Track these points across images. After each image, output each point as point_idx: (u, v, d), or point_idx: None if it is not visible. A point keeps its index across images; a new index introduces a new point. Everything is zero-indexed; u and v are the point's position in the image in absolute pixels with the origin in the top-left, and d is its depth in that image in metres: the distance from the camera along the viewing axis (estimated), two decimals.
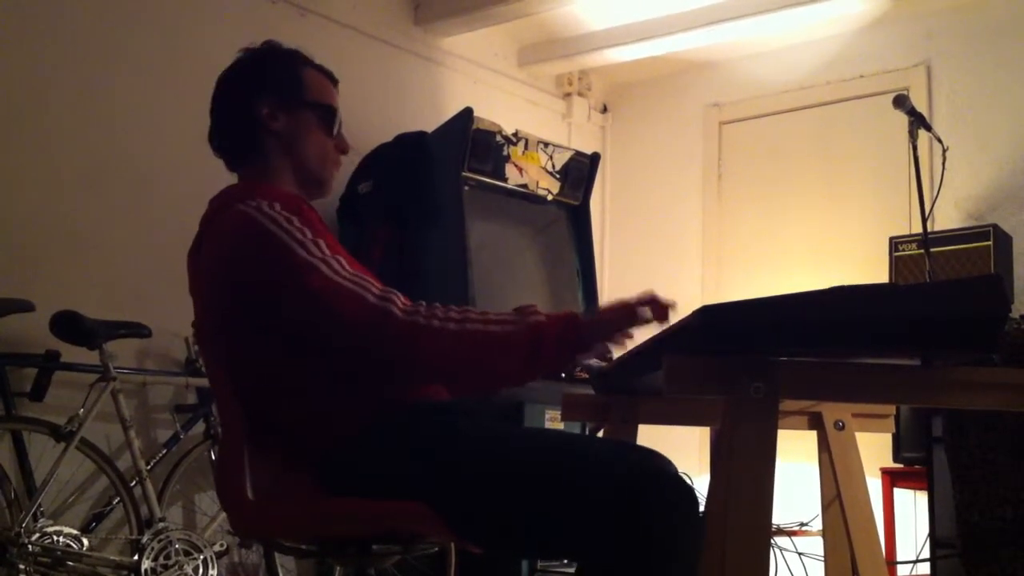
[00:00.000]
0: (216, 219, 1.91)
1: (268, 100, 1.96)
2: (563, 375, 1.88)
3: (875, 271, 4.33)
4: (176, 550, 3.39)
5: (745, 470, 1.34)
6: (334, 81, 2.07)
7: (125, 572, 3.31)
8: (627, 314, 1.73)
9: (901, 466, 3.89)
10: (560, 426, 3.87)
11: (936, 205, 3.82)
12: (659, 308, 1.72)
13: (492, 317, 1.74)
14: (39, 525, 3.14)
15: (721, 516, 1.34)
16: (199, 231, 1.96)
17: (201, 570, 3.44)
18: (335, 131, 2.03)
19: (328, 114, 2.01)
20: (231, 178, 2.04)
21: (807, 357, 1.40)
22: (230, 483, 1.85)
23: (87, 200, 3.68)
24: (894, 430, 2.30)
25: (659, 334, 1.67)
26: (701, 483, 4.42)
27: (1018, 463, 2.46)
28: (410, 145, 4.40)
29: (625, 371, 1.83)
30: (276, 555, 3.79)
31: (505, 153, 4.39)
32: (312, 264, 1.75)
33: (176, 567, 3.37)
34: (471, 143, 4.25)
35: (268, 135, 1.97)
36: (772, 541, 3.71)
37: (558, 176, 4.62)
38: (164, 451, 3.61)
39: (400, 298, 1.75)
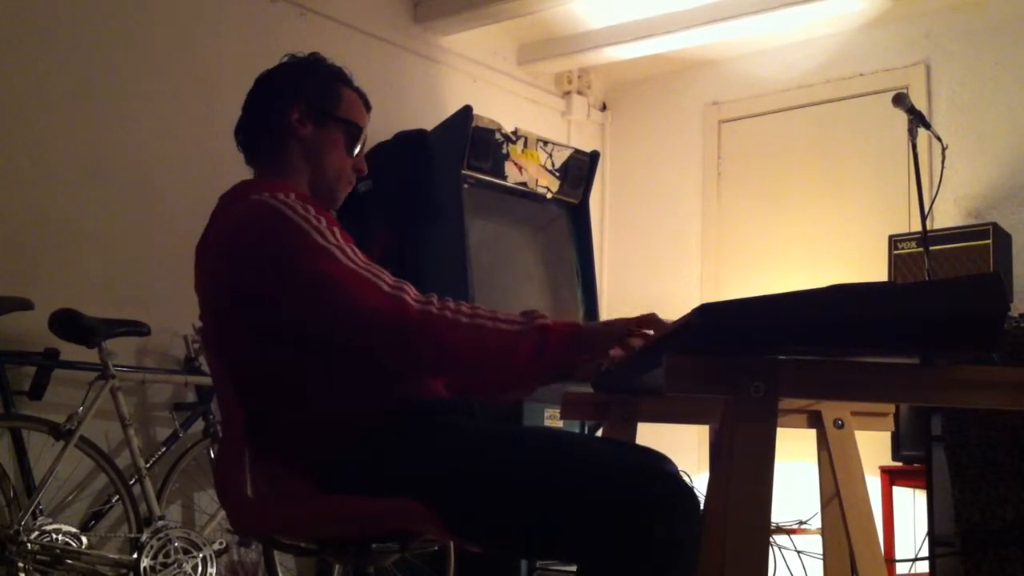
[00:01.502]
0: (228, 210, 1.91)
1: (300, 107, 1.98)
2: (563, 379, 1.90)
3: (874, 269, 4.33)
4: (175, 548, 3.39)
5: (745, 470, 1.33)
6: (368, 107, 2.09)
7: (124, 570, 3.31)
8: (621, 332, 1.79)
9: (900, 464, 3.89)
10: (559, 424, 3.87)
11: (935, 203, 3.82)
12: (647, 337, 1.78)
13: (501, 316, 1.78)
14: (38, 523, 3.14)
15: (721, 516, 1.34)
16: (208, 224, 1.97)
17: (200, 568, 3.44)
18: (356, 152, 2.04)
19: (355, 133, 2.04)
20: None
21: (806, 356, 1.40)
22: (230, 481, 1.85)
23: (87, 198, 3.67)
24: (893, 428, 2.29)
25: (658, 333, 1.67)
26: (701, 482, 4.42)
27: (1018, 463, 2.46)
28: (410, 143, 4.40)
29: (625, 370, 1.83)
30: (275, 553, 3.79)
31: (505, 151, 4.39)
32: (328, 250, 1.76)
33: (175, 565, 3.37)
34: (471, 141, 4.24)
35: (292, 140, 1.99)
36: (771, 539, 3.71)
37: (557, 174, 4.61)
38: (163, 449, 3.61)
39: (412, 289, 1.77)
